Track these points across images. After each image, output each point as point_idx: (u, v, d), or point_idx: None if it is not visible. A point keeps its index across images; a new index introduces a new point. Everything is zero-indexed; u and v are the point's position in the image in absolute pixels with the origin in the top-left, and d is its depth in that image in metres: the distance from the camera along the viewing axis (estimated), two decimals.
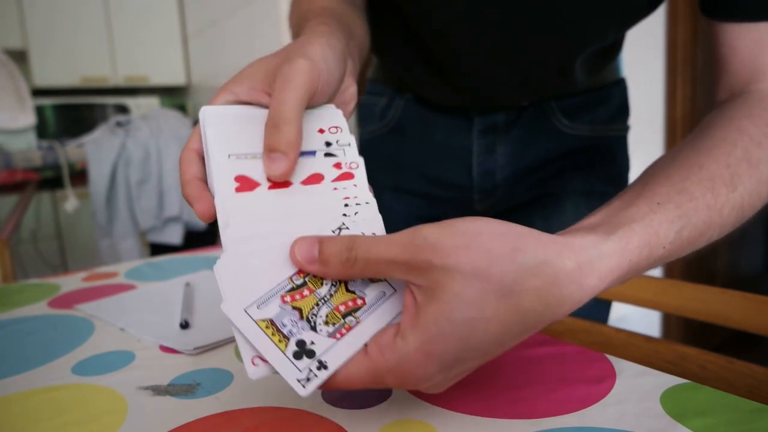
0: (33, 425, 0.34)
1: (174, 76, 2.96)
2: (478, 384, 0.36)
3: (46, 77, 2.61)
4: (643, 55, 1.94)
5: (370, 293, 0.31)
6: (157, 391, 0.38)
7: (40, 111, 2.46)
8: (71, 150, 1.88)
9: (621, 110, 0.67)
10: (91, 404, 0.37)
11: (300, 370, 0.28)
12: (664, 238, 0.32)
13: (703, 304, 0.57)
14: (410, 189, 0.70)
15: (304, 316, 0.29)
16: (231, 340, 0.47)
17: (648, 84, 1.98)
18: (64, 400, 0.37)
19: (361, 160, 0.35)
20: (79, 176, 1.93)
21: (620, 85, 0.67)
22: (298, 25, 0.44)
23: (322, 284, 0.30)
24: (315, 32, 0.37)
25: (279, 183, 0.32)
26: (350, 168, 0.34)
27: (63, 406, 0.37)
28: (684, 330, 2.13)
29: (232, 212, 0.30)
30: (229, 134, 0.33)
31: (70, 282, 0.69)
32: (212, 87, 2.71)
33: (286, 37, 1.88)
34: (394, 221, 0.70)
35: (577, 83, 0.61)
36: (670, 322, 2.12)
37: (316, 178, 0.33)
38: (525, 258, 0.27)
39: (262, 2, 2.01)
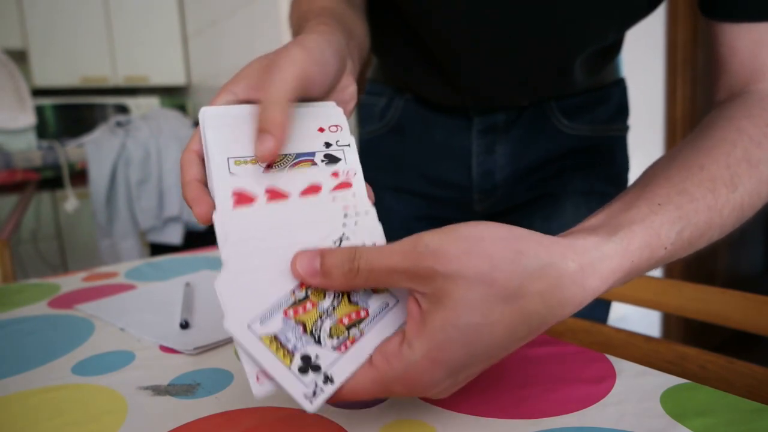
0: (33, 425, 0.34)
1: (174, 76, 2.96)
2: (479, 384, 0.36)
3: (46, 77, 2.61)
4: (643, 55, 1.94)
5: (373, 304, 0.31)
6: (157, 391, 0.38)
7: (40, 111, 2.46)
8: (71, 150, 1.88)
9: (620, 110, 0.67)
10: (91, 404, 0.37)
11: (306, 385, 0.27)
12: (665, 239, 0.32)
13: (703, 304, 0.57)
14: (410, 189, 0.70)
15: (308, 329, 0.29)
16: (231, 340, 0.47)
17: (648, 84, 1.98)
18: (64, 400, 0.37)
19: (359, 167, 0.35)
20: (79, 176, 1.93)
21: (620, 85, 0.67)
22: (298, 25, 0.44)
23: (324, 297, 0.30)
24: (313, 30, 0.37)
25: (277, 195, 0.32)
26: (348, 177, 0.34)
27: (63, 406, 0.37)
28: (684, 330, 2.13)
29: (231, 228, 0.30)
30: (229, 136, 0.32)
31: (70, 282, 0.69)
32: (212, 87, 2.71)
33: (286, 37, 1.88)
34: (394, 221, 0.71)
35: (576, 83, 0.61)
36: (670, 322, 2.12)
37: (314, 189, 0.33)
38: (528, 261, 0.27)
39: (262, 2, 2.01)
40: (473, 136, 0.66)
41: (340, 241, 0.32)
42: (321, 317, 0.29)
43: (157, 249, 2.09)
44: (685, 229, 0.33)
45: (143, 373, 0.41)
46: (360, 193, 0.34)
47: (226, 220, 0.30)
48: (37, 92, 2.54)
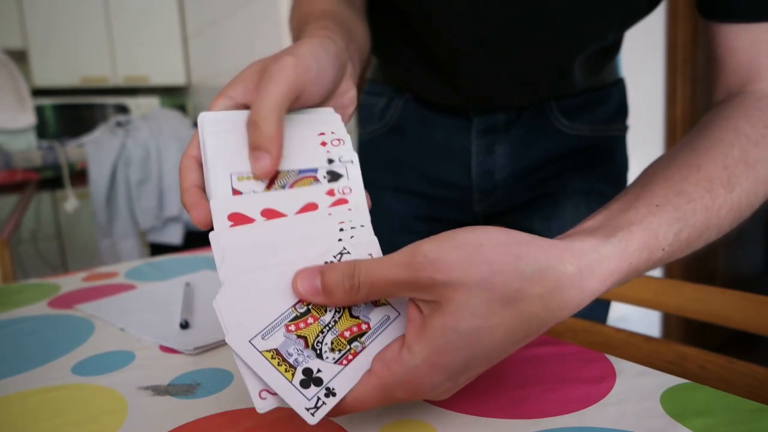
0: (33, 425, 0.34)
1: (174, 76, 2.96)
2: (479, 384, 0.36)
3: (46, 77, 2.61)
4: (643, 55, 1.94)
5: (375, 318, 0.31)
6: (157, 391, 0.38)
7: (40, 111, 2.46)
8: (71, 150, 1.88)
9: (620, 110, 0.67)
10: (91, 404, 0.37)
11: (308, 399, 0.28)
12: (663, 240, 0.32)
13: (703, 304, 0.57)
14: (410, 189, 0.70)
15: (310, 344, 0.29)
16: None
17: (648, 84, 1.98)
18: (64, 400, 0.37)
19: (361, 183, 0.35)
20: (79, 176, 1.93)
21: (619, 85, 0.67)
22: (298, 28, 0.44)
23: (325, 311, 0.30)
24: (313, 35, 0.37)
25: (275, 215, 0.32)
26: (343, 194, 0.34)
27: (63, 406, 0.37)
28: (684, 330, 2.13)
29: (228, 246, 0.30)
30: (229, 144, 0.32)
31: (70, 282, 0.69)
32: (212, 87, 2.71)
33: (286, 38, 1.88)
34: (393, 221, 0.71)
35: (576, 83, 0.61)
36: (670, 322, 2.12)
37: (311, 207, 0.33)
38: (527, 265, 0.27)
39: (262, 2, 2.01)
40: (473, 136, 0.66)
41: (341, 255, 0.32)
42: (322, 331, 0.29)
43: (157, 249, 2.09)
44: (683, 230, 0.33)
45: (143, 373, 0.41)
46: (358, 206, 0.34)
47: (222, 240, 0.30)
48: (37, 92, 2.54)
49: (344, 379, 0.28)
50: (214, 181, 0.31)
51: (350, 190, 0.34)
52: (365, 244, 0.33)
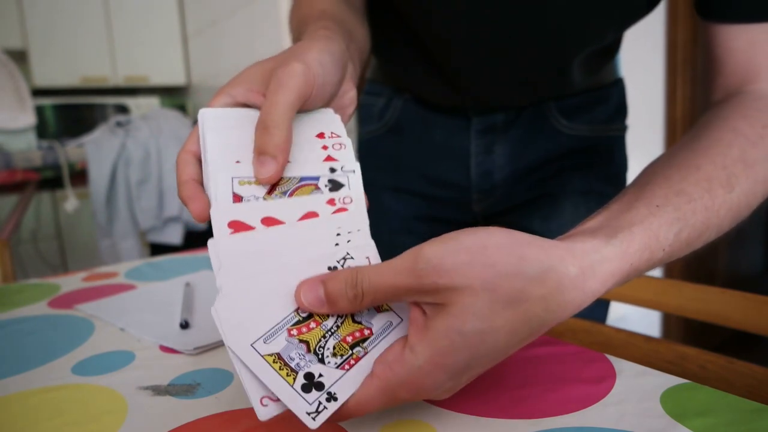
0: (33, 425, 0.34)
1: (174, 76, 2.96)
2: (479, 384, 0.36)
3: (46, 77, 2.61)
4: (643, 55, 1.94)
5: (377, 323, 0.31)
6: (157, 391, 0.38)
7: (40, 111, 2.46)
8: (71, 150, 1.88)
9: (619, 110, 0.67)
10: (91, 404, 0.37)
11: (309, 403, 0.28)
12: (663, 240, 0.32)
13: (703, 304, 0.57)
14: (409, 189, 0.70)
15: (312, 348, 0.29)
16: None
17: (648, 84, 1.98)
18: (64, 400, 0.37)
19: (362, 193, 0.34)
20: (79, 176, 1.93)
21: (618, 85, 0.67)
22: (298, 29, 0.44)
23: (328, 316, 0.30)
24: (314, 37, 0.37)
25: (274, 223, 0.32)
26: (344, 203, 0.34)
27: (63, 406, 0.37)
28: (684, 330, 2.13)
29: (226, 253, 0.30)
30: (229, 142, 0.32)
31: (70, 282, 0.69)
32: (212, 87, 2.71)
33: (286, 38, 1.88)
34: (393, 221, 0.71)
35: (575, 83, 0.61)
36: (670, 322, 2.12)
37: (311, 215, 0.33)
38: (530, 267, 0.27)
39: (262, 2, 2.01)
40: (472, 137, 0.66)
41: (344, 260, 0.32)
42: (324, 336, 0.29)
43: (157, 249, 2.09)
44: (683, 230, 0.33)
45: (143, 373, 0.41)
46: (357, 212, 0.34)
47: (221, 247, 0.30)
48: (37, 92, 2.54)
49: (346, 383, 0.28)
50: (214, 183, 0.31)
51: (351, 200, 0.34)
52: (362, 248, 0.33)
